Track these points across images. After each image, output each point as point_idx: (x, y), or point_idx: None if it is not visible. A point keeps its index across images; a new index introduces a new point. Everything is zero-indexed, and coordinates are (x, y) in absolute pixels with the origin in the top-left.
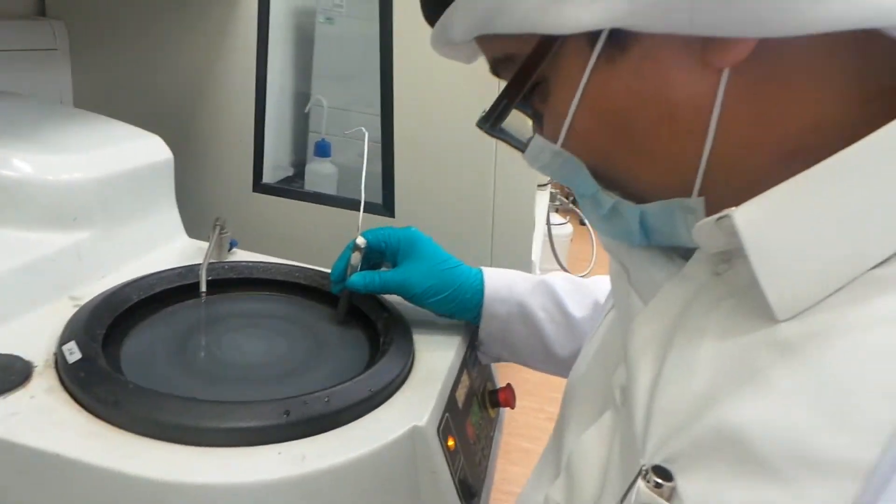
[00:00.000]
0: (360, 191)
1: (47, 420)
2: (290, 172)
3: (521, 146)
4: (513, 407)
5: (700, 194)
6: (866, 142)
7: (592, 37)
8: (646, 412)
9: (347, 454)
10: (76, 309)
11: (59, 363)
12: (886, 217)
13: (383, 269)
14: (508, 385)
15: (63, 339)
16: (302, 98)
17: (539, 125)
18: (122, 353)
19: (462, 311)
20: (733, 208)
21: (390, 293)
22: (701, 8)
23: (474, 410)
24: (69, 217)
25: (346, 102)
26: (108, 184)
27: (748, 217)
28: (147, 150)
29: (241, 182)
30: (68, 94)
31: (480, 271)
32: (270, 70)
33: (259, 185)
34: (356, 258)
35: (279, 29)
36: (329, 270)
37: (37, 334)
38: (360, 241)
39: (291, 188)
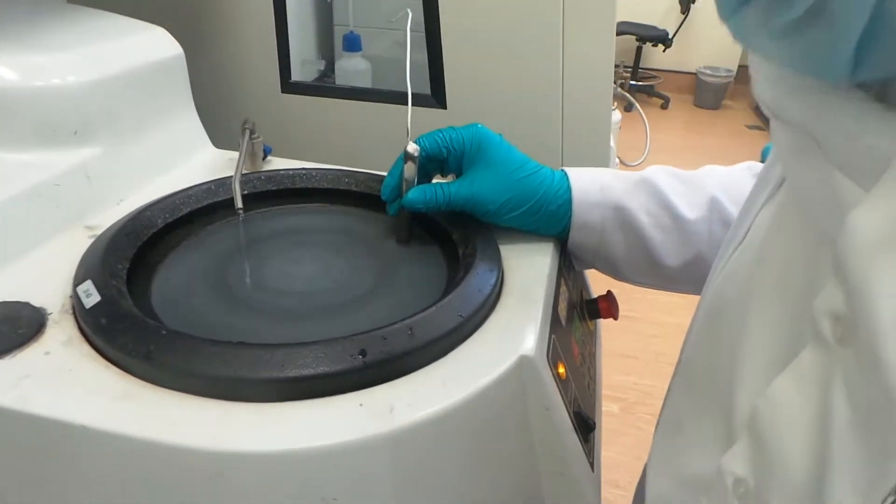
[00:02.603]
0: (406, 82)
1: (67, 381)
2: (321, 66)
3: None
4: (616, 318)
5: None
6: None
7: None
8: None
9: (444, 400)
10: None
11: (77, 308)
12: None
13: (444, 180)
14: (609, 293)
15: (78, 279)
16: None
17: None
18: (151, 292)
19: (548, 225)
20: None
21: (458, 209)
22: None
23: (576, 326)
24: (68, 131)
25: None
26: (110, 87)
27: None
28: (151, 44)
29: (267, 82)
30: None
31: (565, 174)
32: None
33: (287, 85)
34: (410, 170)
35: None
36: (380, 172)
37: (48, 275)
38: (412, 147)
39: (325, 84)
